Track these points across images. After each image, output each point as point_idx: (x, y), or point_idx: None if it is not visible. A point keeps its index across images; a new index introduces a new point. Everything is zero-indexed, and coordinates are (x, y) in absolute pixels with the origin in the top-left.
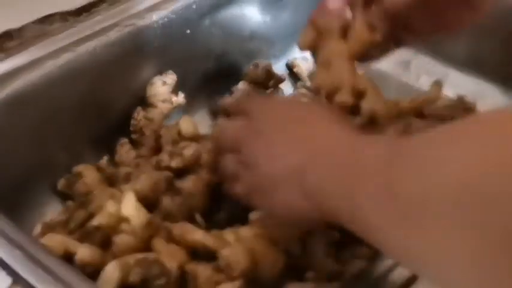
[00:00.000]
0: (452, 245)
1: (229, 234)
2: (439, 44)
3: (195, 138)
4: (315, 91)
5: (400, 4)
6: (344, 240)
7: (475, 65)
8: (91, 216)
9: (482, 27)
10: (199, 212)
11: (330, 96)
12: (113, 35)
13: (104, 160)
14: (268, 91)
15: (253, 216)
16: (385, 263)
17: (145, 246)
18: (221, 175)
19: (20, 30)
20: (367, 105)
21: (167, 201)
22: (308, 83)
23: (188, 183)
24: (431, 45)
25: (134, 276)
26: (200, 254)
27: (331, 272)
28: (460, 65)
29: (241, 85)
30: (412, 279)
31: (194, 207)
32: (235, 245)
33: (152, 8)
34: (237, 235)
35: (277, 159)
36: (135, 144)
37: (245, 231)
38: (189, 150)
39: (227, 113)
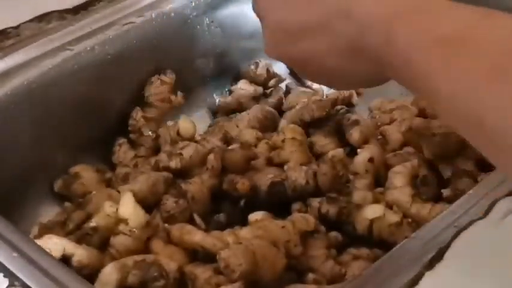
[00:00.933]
0: None
1: (229, 235)
2: None
3: (194, 138)
4: None
5: None
6: (345, 241)
7: None
8: (89, 217)
9: None
10: (199, 214)
11: None
12: (110, 33)
13: (102, 160)
14: (268, 91)
15: (252, 217)
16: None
17: (144, 247)
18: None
19: (17, 28)
20: None
21: (170, 204)
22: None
23: (192, 187)
24: None
25: (132, 278)
26: (199, 255)
27: (331, 273)
28: None
29: (241, 84)
30: (414, 280)
31: (195, 210)
32: (235, 246)
33: (151, 7)
34: (237, 236)
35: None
36: (133, 144)
37: (245, 233)
38: (188, 150)
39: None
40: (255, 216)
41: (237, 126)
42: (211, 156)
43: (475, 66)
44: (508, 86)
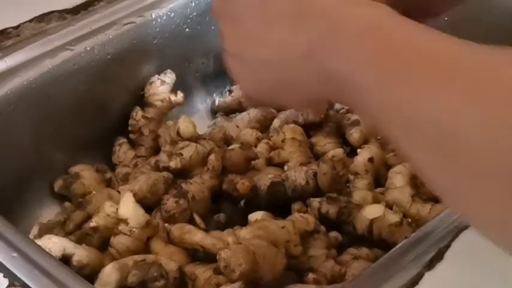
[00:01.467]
0: None
1: (228, 235)
2: None
3: (194, 138)
4: None
5: None
6: (345, 241)
7: None
8: (89, 217)
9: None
10: (199, 214)
11: None
12: (111, 33)
13: (102, 160)
14: None
15: (252, 217)
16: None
17: (144, 247)
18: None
19: (17, 28)
20: None
21: (171, 204)
22: None
23: (193, 187)
24: None
25: (132, 278)
26: (199, 255)
27: (331, 273)
28: None
29: None
30: (414, 280)
31: (196, 210)
32: (235, 246)
33: (151, 7)
34: (238, 236)
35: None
36: (133, 144)
37: (245, 233)
38: (188, 150)
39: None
40: (255, 216)
41: (237, 127)
42: (212, 157)
43: (424, 80)
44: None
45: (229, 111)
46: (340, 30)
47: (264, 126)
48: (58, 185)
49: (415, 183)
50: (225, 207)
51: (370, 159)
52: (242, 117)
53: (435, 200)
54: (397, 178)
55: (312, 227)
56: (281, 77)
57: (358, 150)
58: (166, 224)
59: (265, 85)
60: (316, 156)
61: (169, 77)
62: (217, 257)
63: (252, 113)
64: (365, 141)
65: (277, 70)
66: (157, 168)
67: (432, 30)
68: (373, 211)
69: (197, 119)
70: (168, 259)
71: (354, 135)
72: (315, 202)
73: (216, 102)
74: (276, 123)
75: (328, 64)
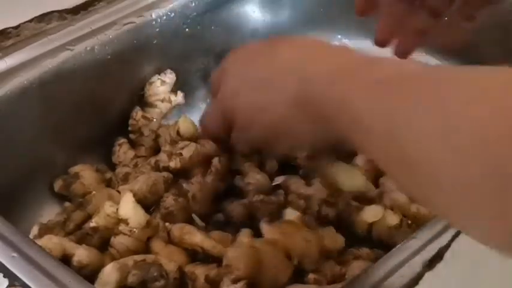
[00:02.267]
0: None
1: (244, 236)
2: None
3: (194, 138)
4: None
5: None
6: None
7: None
8: (89, 217)
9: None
10: (199, 214)
11: None
12: (111, 33)
13: (102, 160)
14: None
15: (288, 214)
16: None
17: (144, 247)
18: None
19: (17, 28)
20: None
21: (170, 201)
22: None
23: (194, 187)
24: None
25: (132, 278)
26: (199, 255)
27: (331, 273)
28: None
29: None
30: (414, 280)
31: (196, 210)
32: (243, 249)
33: (151, 6)
34: (250, 241)
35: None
36: (133, 144)
37: (267, 230)
38: (188, 150)
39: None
40: (291, 214)
41: None
42: (215, 160)
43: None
44: (427, 121)
45: None
46: (311, 80)
47: None
48: (58, 185)
49: None
50: (225, 207)
51: (369, 160)
52: None
53: None
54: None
55: (339, 248)
56: (274, 128)
57: None
58: (166, 224)
59: (263, 129)
60: None
61: (169, 77)
62: (224, 254)
63: None
64: None
65: (268, 121)
66: (157, 168)
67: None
68: (372, 214)
69: (197, 119)
70: (168, 259)
71: None
72: (315, 205)
73: None
74: None
75: (314, 103)
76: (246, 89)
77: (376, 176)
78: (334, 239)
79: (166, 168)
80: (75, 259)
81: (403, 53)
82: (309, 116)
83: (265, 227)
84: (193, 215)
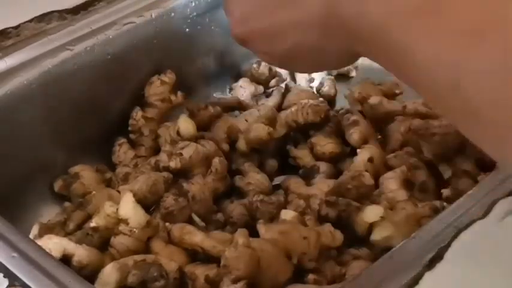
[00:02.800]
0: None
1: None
2: None
3: (194, 138)
4: None
5: None
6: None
7: None
8: (89, 217)
9: None
10: (200, 214)
11: None
12: (110, 33)
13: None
14: (270, 90)
15: (285, 214)
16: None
17: (144, 247)
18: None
19: (17, 28)
20: None
21: (170, 201)
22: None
23: (194, 187)
24: None
25: (132, 278)
26: (199, 255)
27: (331, 273)
28: None
29: (242, 82)
30: (414, 280)
31: (196, 210)
32: (242, 249)
33: (150, 7)
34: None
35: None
36: (133, 144)
37: (265, 231)
38: (188, 150)
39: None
40: (288, 214)
41: (246, 121)
42: (216, 160)
43: (454, 33)
44: (486, 50)
45: (229, 108)
46: None
47: (271, 124)
48: (58, 185)
49: (408, 186)
50: (224, 207)
51: (370, 159)
52: (251, 113)
53: (435, 199)
54: (391, 182)
55: (338, 244)
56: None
57: (358, 150)
58: (167, 224)
59: (282, 52)
60: (316, 156)
61: (169, 77)
62: (222, 254)
63: (263, 111)
64: (365, 141)
65: (292, 35)
66: (157, 168)
67: None
68: (372, 214)
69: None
70: (168, 259)
71: (354, 135)
72: (315, 204)
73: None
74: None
75: (344, 19)
76: (258, 11)
77: (376, 176)
78: (332, 235)
79: (167, 168)
80: (75, 259)
81: None
82: (338, 39)
83: (261, 228)
84: (193, 215)
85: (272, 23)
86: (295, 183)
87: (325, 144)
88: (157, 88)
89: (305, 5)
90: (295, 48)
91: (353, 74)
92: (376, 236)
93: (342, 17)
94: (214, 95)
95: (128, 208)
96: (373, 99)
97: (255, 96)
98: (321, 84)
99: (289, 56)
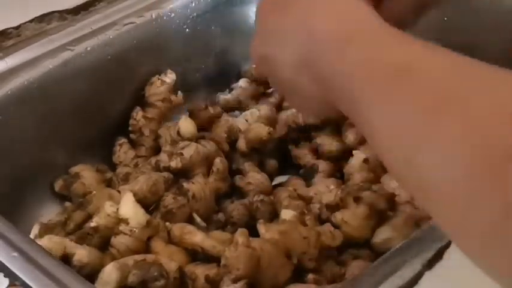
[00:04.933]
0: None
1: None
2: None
3: (195, 138)
4: None
5: None
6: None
7: None
8: (89, 217)
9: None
10: (200, 214)
11: None
12: (111, 33)
13: (102, 160)
14: (270, 90)
15: (284, 214)
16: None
17: (144, 247)
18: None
19: (18, 29)
20: None
21: (169, 200)
22: None
23: (194, 187)
24: None
25: (133, 278)
26: (199, 255)
27: (331, 273)
28: None
29: (242, 83)
30: (414, 280)
31: (196, 210)
32: (242, 249)
33: (150, 7)
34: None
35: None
36: (134, 144)
37: (265, 231)
38: (188, 150)
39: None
40: (287, 214)
41: (246, 121)
42: (217, 160)
43: (415, 103)
44: (442, 128)
45: (229, 108)
46: (323, 40)
47: (271, 124)
48: (58, 185)
49: None
50: (225, 207)
51: (365, 160)
52: (251, 113)
53: None
54: (393, 182)
55: (337, 244)
56: (290, 82)
57: (354, 151)
58: (167, 224)
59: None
60: (322, 156)
61: (169, 77)
62: (222, 254)
63: (263, 111)
64: (361, 142)
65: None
66: (157, 168)
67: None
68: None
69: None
70: (169, 259)
71: (349, 136)
72: (315, 209)
73: (217, 99)
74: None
75: (320, 69)
76: (262, 40)
77: (376, 175)
78: (332, 235)
79: (167, 168)
80: (76, 259)
81: None
82: (313, 81)
83: (261, 228)
84: (195, 215)
85: (268, 53)
86: (295, 183)
87: (331, 143)
88: (158, 88)
89: (294, 44)
90: (283, 81)
91: None
92: (376, 238)
93: (319, 61)
94: (215, 95)
95: (128, 208)
96: None
97: (255, 96)
98: None
99: (281, 89)
